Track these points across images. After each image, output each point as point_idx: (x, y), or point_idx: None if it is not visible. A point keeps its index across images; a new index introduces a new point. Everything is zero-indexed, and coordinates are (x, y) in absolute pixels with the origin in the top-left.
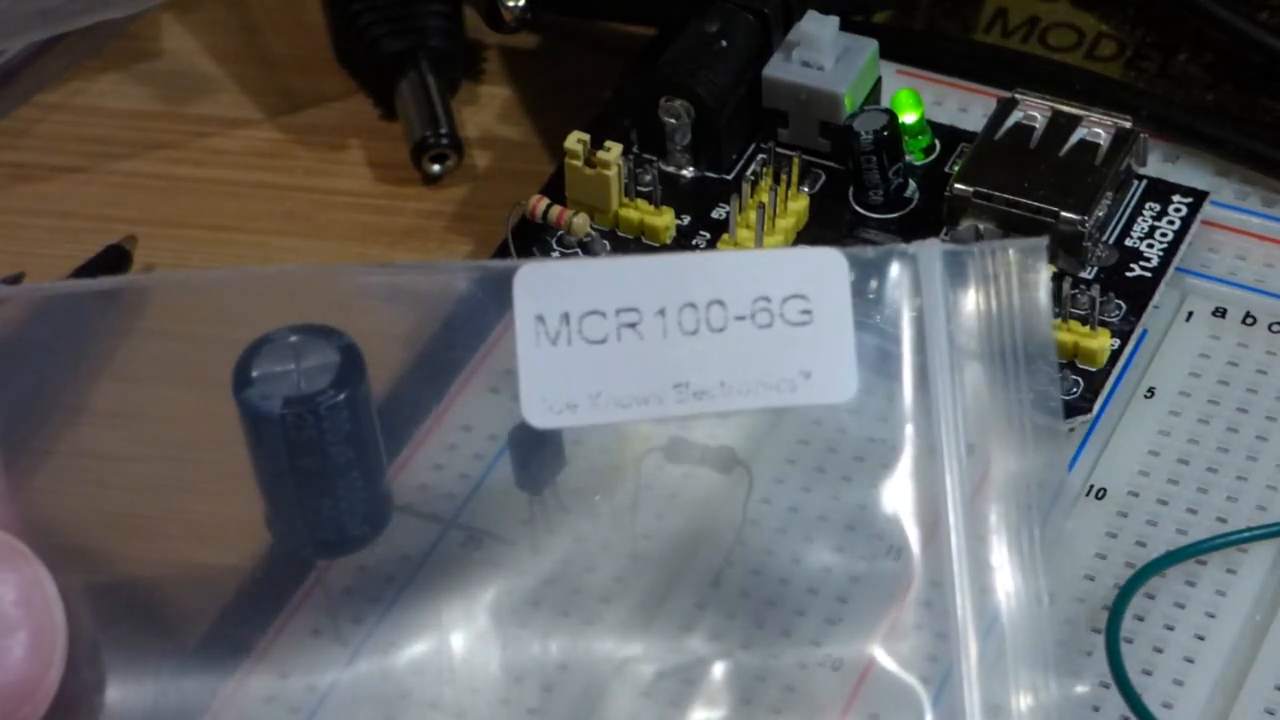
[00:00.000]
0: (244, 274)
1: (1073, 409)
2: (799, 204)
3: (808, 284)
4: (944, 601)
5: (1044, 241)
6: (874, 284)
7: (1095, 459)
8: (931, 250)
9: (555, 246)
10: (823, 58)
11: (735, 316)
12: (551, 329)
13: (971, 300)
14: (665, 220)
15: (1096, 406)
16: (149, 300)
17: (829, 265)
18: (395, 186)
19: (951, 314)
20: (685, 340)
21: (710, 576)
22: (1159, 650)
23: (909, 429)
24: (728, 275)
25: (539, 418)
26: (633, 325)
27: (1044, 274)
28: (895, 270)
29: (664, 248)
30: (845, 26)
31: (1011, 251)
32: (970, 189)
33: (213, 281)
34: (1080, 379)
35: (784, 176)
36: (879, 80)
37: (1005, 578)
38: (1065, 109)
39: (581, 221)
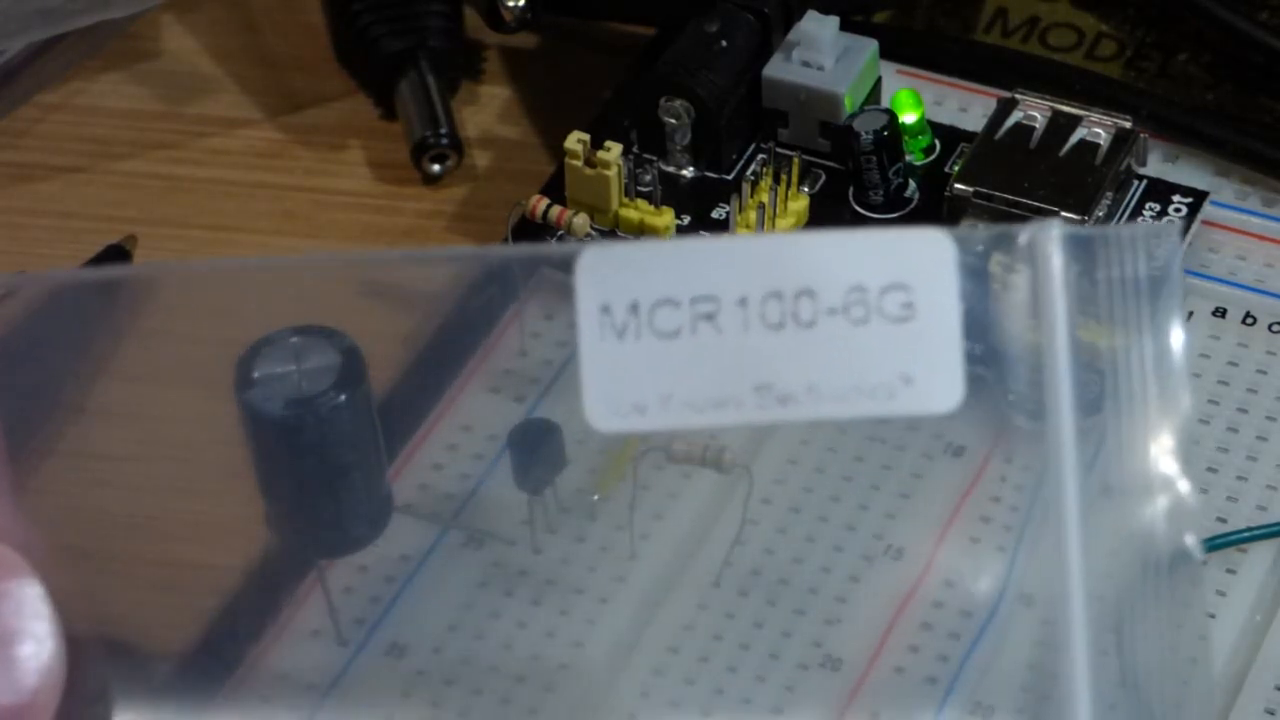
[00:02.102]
0: (245, 265)
1: None
2: (799, 204)
3: (910, 272)
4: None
5: (1176, 227)
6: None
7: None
8: (1050, 233)
9: None
10: (823, 58)
11: (826, 310)
12: (618, 321)
13: (1095, 288)
14: (665, 220)
15: None
16: (150, 299)
17: (935, 249)
18: (395, 186)
19: (1072, 303)
20: (769, 335)
21: (710, 576)
22: None
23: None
24: (818, 260)
25: (603, 421)
26: (710, 317)
27: (1177, 261)
28: (1007, 255)
29: None
30: (845, 26)
31: (1139, 235)
32: (970, 189)
33: (214, 271)
34: None
35: (784, 176)
36: (879, 80)
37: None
38: (1065, 109)
39: (581, 221)
